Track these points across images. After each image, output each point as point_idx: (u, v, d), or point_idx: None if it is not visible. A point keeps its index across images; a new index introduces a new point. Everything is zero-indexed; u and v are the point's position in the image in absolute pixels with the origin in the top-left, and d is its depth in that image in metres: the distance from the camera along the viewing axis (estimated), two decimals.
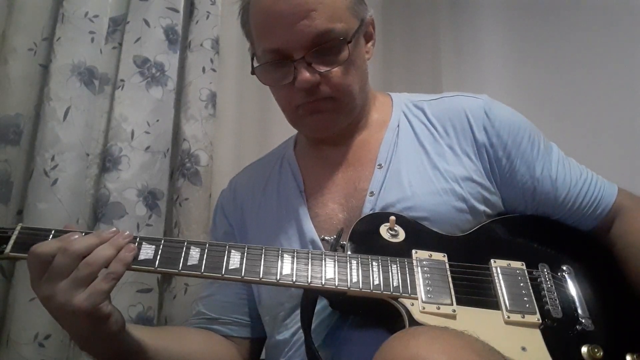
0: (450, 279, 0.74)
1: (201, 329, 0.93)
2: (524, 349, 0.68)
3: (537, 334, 0.71)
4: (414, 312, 0.70)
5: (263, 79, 0.87)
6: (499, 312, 0.72)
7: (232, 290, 0.95)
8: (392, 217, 0.78)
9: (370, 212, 0.82)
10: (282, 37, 0.81)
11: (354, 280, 0.72)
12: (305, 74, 0.80)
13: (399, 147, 0.89)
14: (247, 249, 0.73)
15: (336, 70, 0.82)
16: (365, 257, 0.74)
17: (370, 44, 0.92)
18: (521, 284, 0.75)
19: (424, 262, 0.75)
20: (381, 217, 0.80)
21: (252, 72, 0.87)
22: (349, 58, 0.82)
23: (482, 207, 0.84)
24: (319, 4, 0.79)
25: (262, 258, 0.73)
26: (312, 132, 0.94)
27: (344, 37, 0.81)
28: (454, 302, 0.72)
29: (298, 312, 0.78)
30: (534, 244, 0.83)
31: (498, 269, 0.77)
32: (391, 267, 0.74)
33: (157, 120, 1.25)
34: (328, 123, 0.88)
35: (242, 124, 1.45)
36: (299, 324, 0.77)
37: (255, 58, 0.88)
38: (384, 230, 0.78)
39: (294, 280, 0.71)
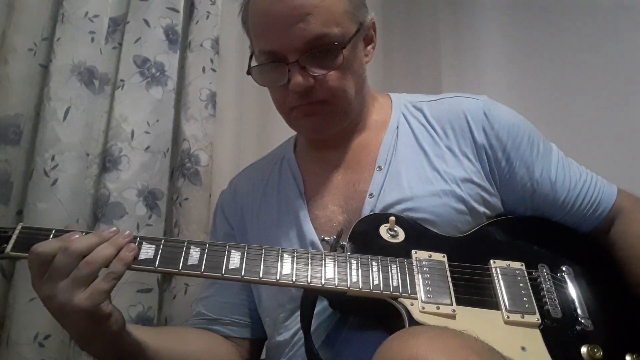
0: (449, 279, 0.74)
1: (201, 330, 0.93)
2: (523, 348, 0.69)
3: (536, 334, 0.71)
4: (413, 312, 0.70)
5: (258, 79, 0.87)
6: (499, 312, 0.72)
7: (232, 291, 0.95)
8: (392, 218, 0.78)
9: (370, 213, 0.82)
10: (277, 39, 0.81)
11: (354, 280, 0.72)
12: (299, 78, 0.80)
13: (398, 149, 0.89)
14: (247, 249, 0.73)
15: (331, 75, 0.82)
16: (365, 257, 0.74)
17: (370, 46, 0.92)
18: (521, 284, 0.75)
19: (424, 263, 0.75)
20: (381, 217, 0.80)
21: (248, 72, 0.87)
22: (344, 63, 0.82)
23: (481, 209, 0.84)
24: (315, 8, 0.79)
25: (262, 258, 0.73)
26: (306, 134, 0.94)
27: (339, 42, 0.81)
28: (454, 302, 0.72)
29: (298, 313, 0.78)
30: (533, 244, 0.83)
31: (497, 269, 0.77)
32: (391, 267, 0.74)
33: (157, 120, 1.25)
34: (322, 126, 0.88)
35: (242, 124, 1.45)
36: (299, 324, 0.77)
37: (253, 57, 0.88)
38: (383, 231, 0.78)
39: (294, 280, 0.71)
